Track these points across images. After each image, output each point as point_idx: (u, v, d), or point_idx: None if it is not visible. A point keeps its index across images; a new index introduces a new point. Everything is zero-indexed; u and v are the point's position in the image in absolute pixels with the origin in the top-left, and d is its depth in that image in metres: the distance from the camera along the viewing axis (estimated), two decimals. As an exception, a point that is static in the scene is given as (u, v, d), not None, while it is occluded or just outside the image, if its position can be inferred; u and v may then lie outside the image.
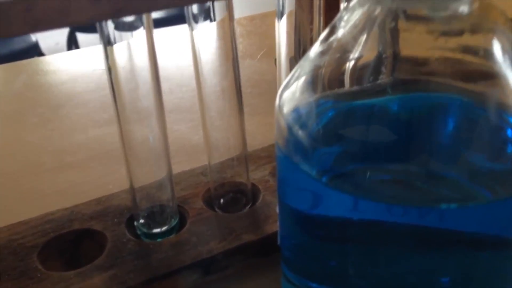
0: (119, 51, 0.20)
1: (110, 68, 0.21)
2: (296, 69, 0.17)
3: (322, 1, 0.24)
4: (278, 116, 0.17)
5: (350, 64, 0.16)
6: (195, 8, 0.22)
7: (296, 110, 0.16)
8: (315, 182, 0.15)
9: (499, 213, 0.14)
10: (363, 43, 0.15)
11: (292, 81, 0.17)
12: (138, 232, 0.25)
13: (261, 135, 0.33)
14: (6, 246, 0.24)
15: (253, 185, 0.27)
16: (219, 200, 0.26)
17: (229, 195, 0.26)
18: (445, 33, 0.14)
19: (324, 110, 0.16)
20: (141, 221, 0.25)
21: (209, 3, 0.21)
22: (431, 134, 0.15)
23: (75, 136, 0.37)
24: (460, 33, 0.15)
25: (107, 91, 0.21)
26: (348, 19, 0.16)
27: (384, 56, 0.15)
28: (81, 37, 1.43)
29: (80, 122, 0.39)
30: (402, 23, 0.15)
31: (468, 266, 0.15)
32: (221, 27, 0.22)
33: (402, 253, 0.15)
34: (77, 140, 0.37)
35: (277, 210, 0.19)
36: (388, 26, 0.15)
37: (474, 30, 0.15)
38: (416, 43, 0.15)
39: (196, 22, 0.22)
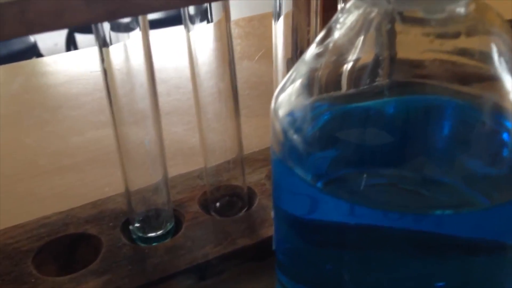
0: (115, 52, 0.20)
1: (106, 70, 0.20)
2: (292, 72, 0.17)
3: (319, 2, 0.24)
4: (273, 119, 0.16)
5: (346, 67, 0.15)
6: (191, 9, 0.21)
7: (291, 113, 0.16)
8: (310, 187, 0.15)
9: (496, 219, 0.14)
10: (360, 45, 0.15)
11: (288, 84, 0.17)
12: (134, 236, 0.25)
13: (258, 138, 0.33)
14: (1, 250, 0.24)
15: (249, 188, 0.27)
16: (215, 204, 0.26)
17: (225, 198, 0.26)
18: (441, 36, 0.14)
19: (319, 113, 0.16)
20: (137, 225, 0.24)
21: (206, 5, 0.21)
22: (427, 138, 0.15)
23: (72, 138, 0.37)
24: (456, 35, 0.14)
25: (105, 92, 0.21)
26: (344, 21, 0.16)
27: (380, 58, 0.15)
28: (79, 38, 1.43)
29: (78, 124, 0.39)
30: (398, 25, 0.14)
31: (464, 271, 0.15)
32: (217, 28, 0.22)
33: (397, 258, 0.15)
34: (74, 142, 0.37)
35: (272, 214, 0.19)
36: (385, 28, 0.15)
37: (470, 33, 0.14)
38: (412, 45, 0.15)
39: (193, 23, 0.22)
